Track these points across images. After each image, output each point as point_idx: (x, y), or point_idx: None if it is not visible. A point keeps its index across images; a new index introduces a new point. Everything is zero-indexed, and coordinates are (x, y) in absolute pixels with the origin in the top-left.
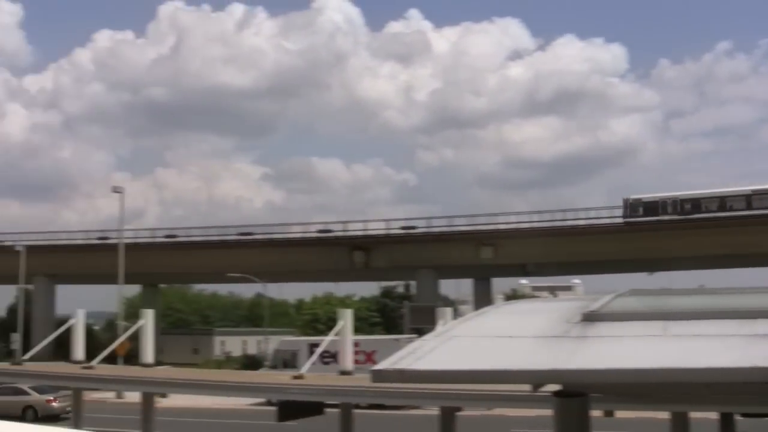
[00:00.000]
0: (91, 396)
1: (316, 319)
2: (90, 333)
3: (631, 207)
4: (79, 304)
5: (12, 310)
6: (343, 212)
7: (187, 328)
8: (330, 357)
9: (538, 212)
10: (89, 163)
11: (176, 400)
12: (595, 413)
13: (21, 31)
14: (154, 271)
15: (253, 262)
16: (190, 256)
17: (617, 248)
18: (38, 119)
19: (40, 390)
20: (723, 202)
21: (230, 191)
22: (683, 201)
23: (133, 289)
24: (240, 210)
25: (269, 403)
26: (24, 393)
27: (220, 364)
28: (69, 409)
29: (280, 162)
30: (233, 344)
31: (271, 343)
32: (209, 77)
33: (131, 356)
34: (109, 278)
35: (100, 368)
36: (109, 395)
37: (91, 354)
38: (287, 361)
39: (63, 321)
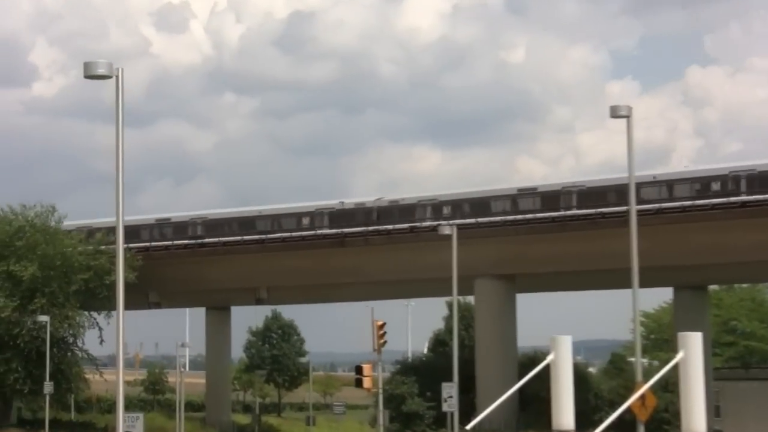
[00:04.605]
0: None
1: None
2: (581, 377)
3: None
4: (552, 325)
5: (440, 343)
6: None
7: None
8: None
9: None
10: (563, 66)
11: None
12: None
13: None
14: (697, 262)
15: None
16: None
17: None
18: None
19: None
20: None
21: None
22: None
23: (653, 297)
24: None
25: None
26: None
27: None
28: None
29: None
30: None
31: None
32: None
33: (661, 422)
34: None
35: None
36: None
37: (583, 417)
38: None
39: (528, 357)
